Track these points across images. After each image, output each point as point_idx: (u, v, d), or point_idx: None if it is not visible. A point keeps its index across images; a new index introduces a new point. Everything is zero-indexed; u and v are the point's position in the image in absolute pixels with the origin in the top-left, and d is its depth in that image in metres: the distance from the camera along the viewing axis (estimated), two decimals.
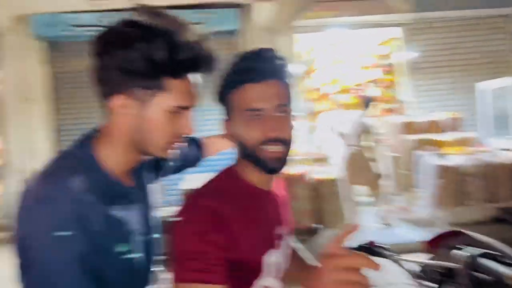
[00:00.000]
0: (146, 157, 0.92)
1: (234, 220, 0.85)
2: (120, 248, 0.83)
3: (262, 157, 0.88)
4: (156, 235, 0.96)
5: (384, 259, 1.07)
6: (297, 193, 3.91)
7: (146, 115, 0.81)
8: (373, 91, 6.28)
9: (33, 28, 5.20)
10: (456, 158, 4.29)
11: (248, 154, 0.90)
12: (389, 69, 6.53)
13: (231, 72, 0.91)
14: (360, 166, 4.66)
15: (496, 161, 4.27)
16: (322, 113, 6.45)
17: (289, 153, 0.91)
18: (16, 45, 5.16)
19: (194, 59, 0.81)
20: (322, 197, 3.98)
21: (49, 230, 0.72)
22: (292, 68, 0.93)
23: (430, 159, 4.34)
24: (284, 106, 0.89)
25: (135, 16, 0.79)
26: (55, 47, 5.52)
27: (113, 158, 0.85)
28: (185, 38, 0.78)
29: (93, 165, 0.82)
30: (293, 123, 0.92)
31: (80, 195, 0.75)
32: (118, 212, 0.84)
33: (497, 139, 5.21)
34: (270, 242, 0.94)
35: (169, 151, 0.86)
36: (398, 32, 6.16)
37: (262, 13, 4.96)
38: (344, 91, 7.70)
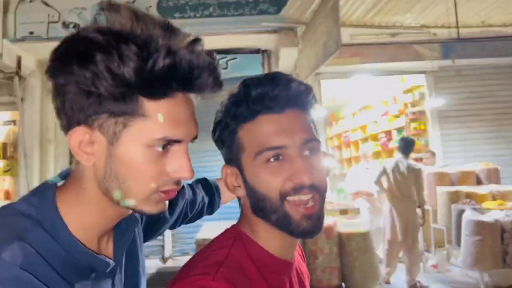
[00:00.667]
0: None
1: None
2: None
3: (288, 215, 0.64)
4: None
5: None
6: (323, 248, 3.62)
7: (117, 153, 0.56)
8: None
9: None
10: (496, 213, 3.94)
11: (266, 211, 0.66)
12: (417, 117, 6.34)
13: (239, 100, 0.68)
14: (406, 218, 4.27)
15: None
16: (354, 164, 6.23)
17: (324, 206, 0.67)
18: (38, 87, 5.18)
19: (180, 71, 0.56)
20: (351, 253, 3.67)
21: None
22: (317, 110, 0.71)
23: (466, 214, 4.00)
24: (312, 142, 0.67)
25: (106, 19, 0.57)
26: None
27: (82, 214, 0.60)
28: (169, 44, 0.55)
29: (53, 224, 0.57)
30: (327, 163, 0.69)
31: (20, 274, 0.50)
32: None
33: None
34: None
35: (160, 204, 0.61)
36: (425, 79, 6.03)
37: (286, 59, 4.90)
38: (371, 138, 7.53)
